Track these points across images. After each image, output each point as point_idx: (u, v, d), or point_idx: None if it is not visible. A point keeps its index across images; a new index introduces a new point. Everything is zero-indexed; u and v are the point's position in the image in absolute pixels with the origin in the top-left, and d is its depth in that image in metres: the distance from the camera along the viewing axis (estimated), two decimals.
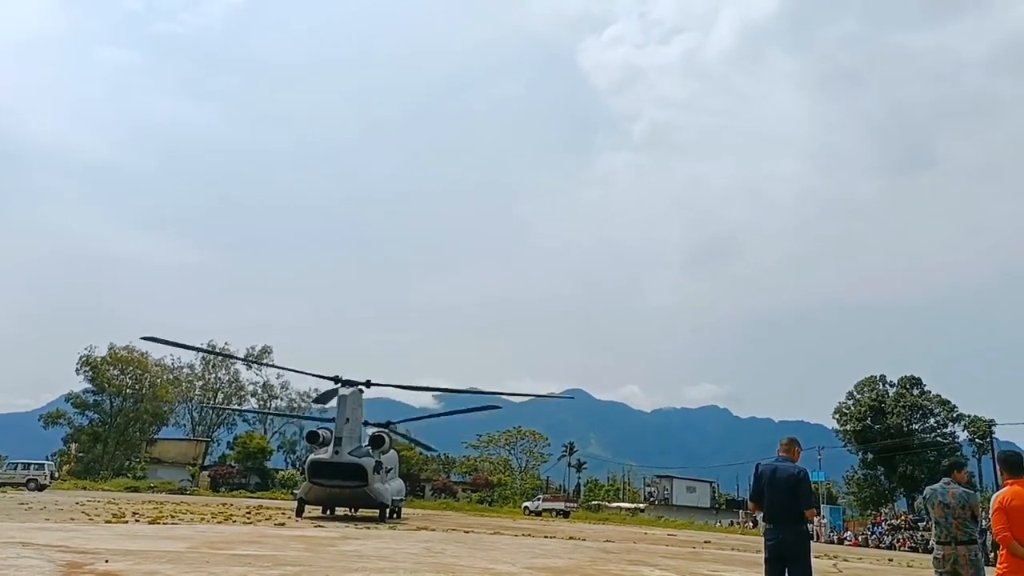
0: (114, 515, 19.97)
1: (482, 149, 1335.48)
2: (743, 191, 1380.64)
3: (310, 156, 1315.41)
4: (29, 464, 43.84)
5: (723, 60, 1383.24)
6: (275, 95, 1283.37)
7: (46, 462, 47.23)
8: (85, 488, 48.30)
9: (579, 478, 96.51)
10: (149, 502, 31.81)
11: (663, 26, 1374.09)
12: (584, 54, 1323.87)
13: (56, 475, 47.84)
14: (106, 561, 9.69)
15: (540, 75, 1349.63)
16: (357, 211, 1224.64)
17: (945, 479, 7.50)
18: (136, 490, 48.62)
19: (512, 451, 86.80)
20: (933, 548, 7.49)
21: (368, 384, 29.80)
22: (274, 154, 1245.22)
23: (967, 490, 7.33)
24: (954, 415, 64.26)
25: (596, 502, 79.40)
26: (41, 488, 40.71)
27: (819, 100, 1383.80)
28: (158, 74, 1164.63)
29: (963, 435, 64.08)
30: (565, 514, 57.33)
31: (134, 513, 21.51)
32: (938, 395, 65.43)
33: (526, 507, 61.05)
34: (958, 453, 62.83)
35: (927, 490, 7.54)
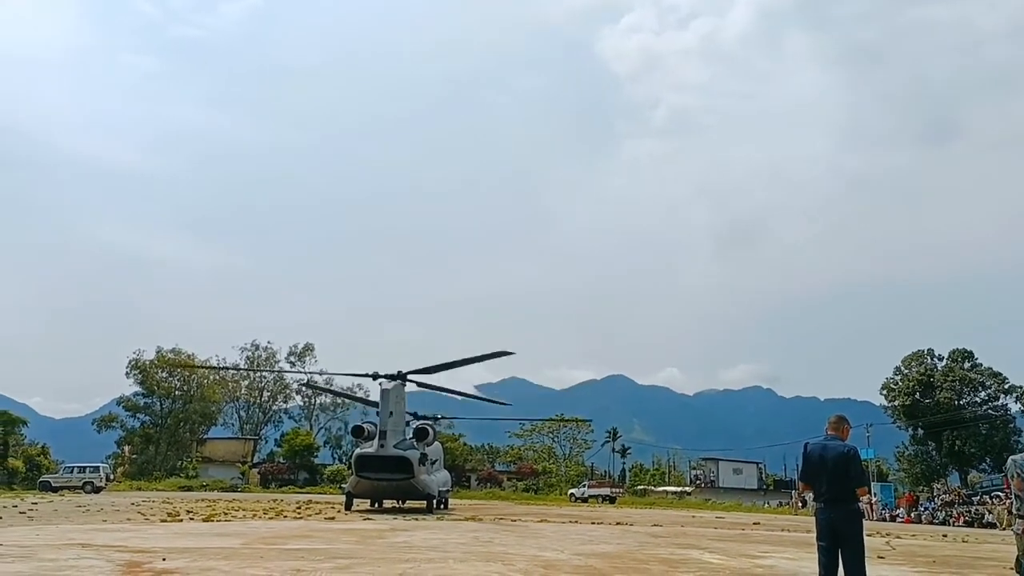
0: (169, 514, 20.35)
1: (504, 143, 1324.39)
2: (768, 172, 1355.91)
3: (332, 155, 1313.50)
4: (85, 467, 45.11)
5: (741, 42, 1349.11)
6: (294, 95, 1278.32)
7: (101, 465, 48.43)
8: (139, 489, 49.32)
9: (624, 463, 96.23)
10: (202, 500, 32.38)
11: (679, 12, 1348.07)
12: (601, 44, 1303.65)
13: (111, 477, 49.09)
14: (163, 559, 9.91)
15: (558, 67, 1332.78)
16: (377, 208, 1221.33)
17: None
18: (189, 489, 49.58)
19: (556, 439, 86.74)
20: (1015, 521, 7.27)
21: (403, 377, 29.68)
22: (296, 154, 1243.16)
23: None
24: (1006, 387, 62.82)
25: (642, 487, 79.23)
26: (97, 490, 41.82)
27: (840, 77, 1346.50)
28: (178, 79, 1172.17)
29: (1015, 407, 62.62)
30: (611, 500, 57.30)
31: (188, 512, 21.90)
32: (989, 368, 63.99)
33: (572, 494, 61.13)
34: (1011, 426, 61.61)
35: (1009, 460, 7.29)
